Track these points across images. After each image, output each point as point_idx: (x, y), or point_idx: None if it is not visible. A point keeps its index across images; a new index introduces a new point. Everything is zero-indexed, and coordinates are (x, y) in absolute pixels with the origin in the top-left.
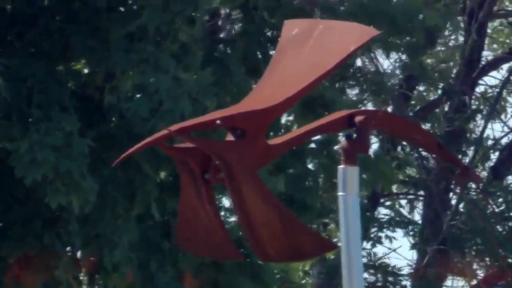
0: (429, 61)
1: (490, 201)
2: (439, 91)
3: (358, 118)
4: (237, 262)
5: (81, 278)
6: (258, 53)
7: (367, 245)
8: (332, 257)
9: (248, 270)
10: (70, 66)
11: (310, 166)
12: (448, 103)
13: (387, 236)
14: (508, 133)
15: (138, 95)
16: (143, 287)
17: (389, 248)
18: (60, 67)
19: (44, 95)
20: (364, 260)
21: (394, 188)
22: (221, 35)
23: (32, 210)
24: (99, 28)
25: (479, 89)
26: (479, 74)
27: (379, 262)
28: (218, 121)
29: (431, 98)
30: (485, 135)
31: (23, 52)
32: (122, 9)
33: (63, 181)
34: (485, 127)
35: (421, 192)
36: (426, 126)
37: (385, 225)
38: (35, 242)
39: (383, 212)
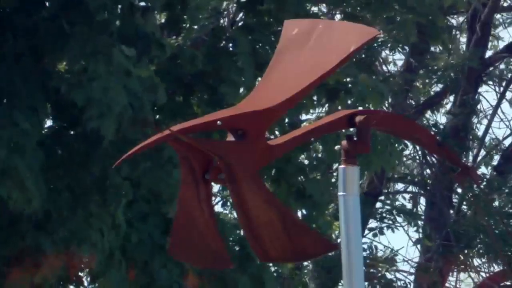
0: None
1: (495, 197)
2: (440, 85)
3: (358, 118)
4: (238, 261)
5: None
6: (267, 47)
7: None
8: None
9: (248, 269)
10: (44, 65)
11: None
12: (452, 97)
13: (388, 227)
14: (511, 133)
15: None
16: (145, 285)
17: (392, 249)
18: (31, 65)
19: (12, 94)
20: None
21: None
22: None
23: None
24: (63, 25)
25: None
26: (483, 72)
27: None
28: (219, 122)
29: (433, 93)
30: (488, 134)
31: None
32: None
33: (9, 177)
34: (488, 126)
35: (422, 190)
36: (428, 122)
37: (387, 215)
38: (20, 243)
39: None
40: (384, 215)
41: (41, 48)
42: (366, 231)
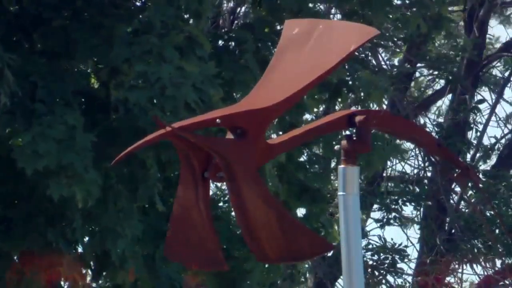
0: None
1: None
2: (442, 81)
3: (358, 118)
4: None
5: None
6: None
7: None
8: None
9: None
10: (74, 63)
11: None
12: (450, 95)
13: (395, 217)
14: (508, 133)
15: (138, 85)
16: (149, 280)
17: (393, 248)
18: (63, 65)
19: (48, 91)
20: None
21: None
22: (225, 29)
23: (35, 206)
24: (102, 25)
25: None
26: (480, 71)
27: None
28: (218, 120)
29: (431, 90)
30: (485, 133)
31: (28, 51)
32: (124, 5)
33: (65, 173)
34: (486, 125)
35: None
36: (428, 120)
37: (393, 203)
38: (38, 239)
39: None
40: (390, 202)
41: (72, 46)
42: (373, 223)
